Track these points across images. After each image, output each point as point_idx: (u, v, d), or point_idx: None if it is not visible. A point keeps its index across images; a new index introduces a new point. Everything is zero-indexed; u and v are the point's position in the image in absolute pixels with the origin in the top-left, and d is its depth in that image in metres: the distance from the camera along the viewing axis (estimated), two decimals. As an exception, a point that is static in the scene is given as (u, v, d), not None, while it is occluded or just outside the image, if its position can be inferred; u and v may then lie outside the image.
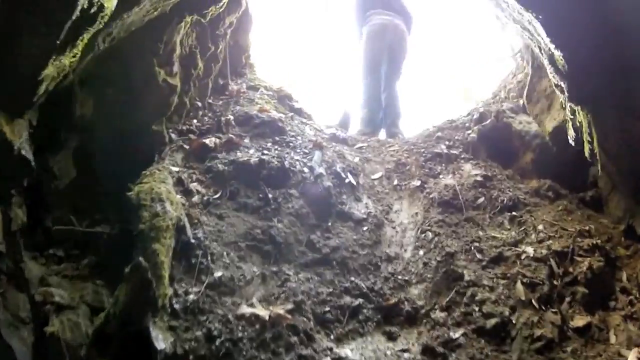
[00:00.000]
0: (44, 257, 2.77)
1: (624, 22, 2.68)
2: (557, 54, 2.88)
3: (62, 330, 2.37)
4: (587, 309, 3.18)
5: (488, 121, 4.91)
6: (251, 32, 5.31)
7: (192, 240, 2.99)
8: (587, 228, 3.68)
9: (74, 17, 2.01)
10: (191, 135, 3.92)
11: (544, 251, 3.46)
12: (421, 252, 3.65)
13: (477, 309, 3.08)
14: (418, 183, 4.42)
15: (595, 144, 3.46)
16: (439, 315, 3.10)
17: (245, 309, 2.71)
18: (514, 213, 3.96)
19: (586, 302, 3.20)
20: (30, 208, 2.68)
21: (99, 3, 2.15)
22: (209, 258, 2.97)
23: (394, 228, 3.95)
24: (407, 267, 3.55)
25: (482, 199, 4.10)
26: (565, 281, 3.30)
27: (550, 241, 3.57)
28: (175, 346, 2.40)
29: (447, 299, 3.21)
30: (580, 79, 3.04)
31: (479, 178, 4.31)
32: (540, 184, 4.31)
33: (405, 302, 3.22)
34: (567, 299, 3.21)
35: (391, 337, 2.98)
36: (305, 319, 2.79)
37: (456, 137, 5.08)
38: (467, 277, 3.30)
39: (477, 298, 3.15)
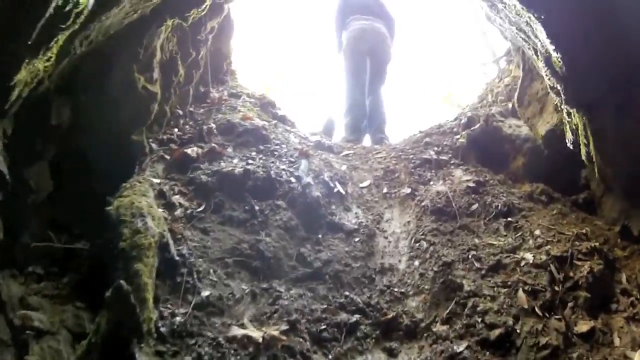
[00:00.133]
0: (23, 275, 2.62)
1: (625, 25, 2.67)
2: (555, 55, 2.83)
3: (42, 359, 2.19)
4: (589, 313, 3.14)
5: (477, 125, 4.87)
6: (233, 38, 5.23)
7: (177, 258, 2.88)
8: (584, 231, 3.65)
9: (47, 15, 1.84)
10: (172, 145, 3.81)
11: (544, 257, 3.41)
12: (416, 263, 3.55)
13: (479, 319, 2.99)
14: (408, 190, 4.35)
15: (591, 146, 3.40)
16: (440, 328, 3.00)
17: (237, 331, 2.56)
18: (509, 219, 3.90)
19: (588, 306, 3.16)
20: (6, 223, 2.51)
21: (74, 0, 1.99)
22: (195, 276, 2.85)
23: (386, 238, 3.87)
24: (403, 278, 3.46)
25: (476, 206, 4.03)
26: (567, 286, 3.25)
27: (549, 246, 3.52)
28: (164, 373, 2.25)
29: (447, 311, 3.11)
30: (578, 81, 3.02)
31: (471, 184, 4.25)
32: (533, 188, 4.28)
33: (404, 316, 3.11)
34: (570, 304, 3.16)
35: (392, 354, 2.88)
36: (301, 339, 2.66)
37: (445, 143, 5.03)
38: (466, 287, 3.21)
39: (479, 309, 3.06)
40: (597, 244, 3.49)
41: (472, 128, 4.91)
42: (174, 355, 2.36)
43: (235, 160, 3.81)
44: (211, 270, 2.93)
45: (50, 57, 2.27)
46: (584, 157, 3.50)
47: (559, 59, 2.87)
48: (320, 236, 3.51)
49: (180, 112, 4.18)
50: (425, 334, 3.00)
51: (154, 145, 3.69)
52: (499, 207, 4.00)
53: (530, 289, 3.18)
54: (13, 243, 2.62)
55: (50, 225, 2.89)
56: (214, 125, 4.13)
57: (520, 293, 3.15)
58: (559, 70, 3.01)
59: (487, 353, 2.83)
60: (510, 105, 4.89)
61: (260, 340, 2.52)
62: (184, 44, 3.96)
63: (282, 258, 3.23)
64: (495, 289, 3.21)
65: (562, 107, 3.36)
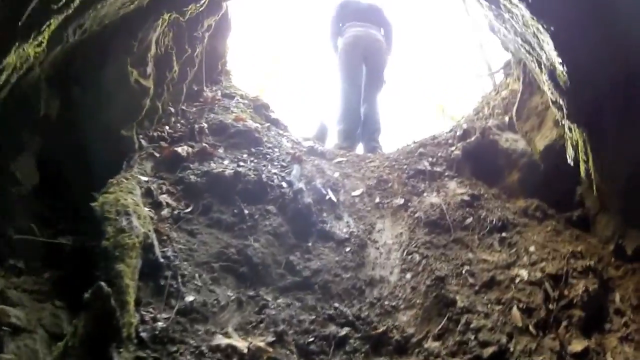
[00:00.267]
0: (4, 268, 2.55)
1: (635, 42, 2.64)
2: (561, 69, 2.79)
3: (18, 358, 2.10)
4: (583, 333, 3.10)
5: (473, 138, 4.82)
6: (229, 37, 5.15)
7: (161, 260, 2.82)
8: (579, 249, 3.63)
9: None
10: (162, 143, 3.75)
11: (538, 274, 3.39)
12: (408, 276, 3.49)
13: (472, 337, 2.94)
14: (401, 201, 4.30)
15: (590, 162, 3.37)
16: (431, 344, 2.94)
17: (221, 340, 2.48)
18: (503, 234, 3.87)
19: (582, 325, 3.12)
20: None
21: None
22: (180, 280, 2.79)
23: (377, 249, 3.81)
24: (394, 291, 3.40)
25: (470, 219, 3.99)
26: (561, 305, 3.22)
27: (544, 264, 3.49)
28: (142, 381, 2.17)
29: (440, 327, 3.05)
30: (582, 96, 3.00)
31: (466, 197, 4.21)
32: (527, 204, 4.24)
33: (395, 330, 3.04)
34: (564, 323, 3.12)
35: (381, 370, 2.77)
36: (287, 352, 2.59)
37: (439, 154, 4.98)
38: (460, 303, 3.17)
39: (472, 325, 3.01)
40: (592, 262, 3.47)
41: (467, 140, 4.87)
42: (154, 363, 2.27)
43: (226, 162, 3.76)
44: (196, 275, 2.86)
45: (42, 42, 2.19)
46: (582, 174, 3.48)
47: (564, 73, 2.83)
48: (310, 244, 3.45)
49: (172, 109, 4.12)
50: (416, 350, 2.94)
51: (143, 142, 3.62)
52: (494, 222, 3.96)
53: (524, 306, 3.15)
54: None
55: (34, 218, 2.82)
56: (205, 125, 4.07)
57: (515, 311, 3.11)
58: (562, 84, 2.98)
59: (480, 371, 2.78)
60: (507, 118, 4.84)
61: (245, 350, 2.44)
62: (180, 40, 3.89)
63: (271, 265, 3.17)
64: (489, 305, 3.17)
65: (564, 122, 3.33)
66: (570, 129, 3.38)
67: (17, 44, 2.00)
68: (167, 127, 3.94)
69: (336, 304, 3.08)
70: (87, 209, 2.72)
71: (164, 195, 3.28)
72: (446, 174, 4.69)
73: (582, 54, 2.70)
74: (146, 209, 2.98)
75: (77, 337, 2.07)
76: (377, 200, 4.32)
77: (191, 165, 3.58)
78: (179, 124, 4.09)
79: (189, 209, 3.27)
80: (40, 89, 2.76)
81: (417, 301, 3.25)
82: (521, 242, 3.76)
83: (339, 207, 3.98)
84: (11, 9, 1.81)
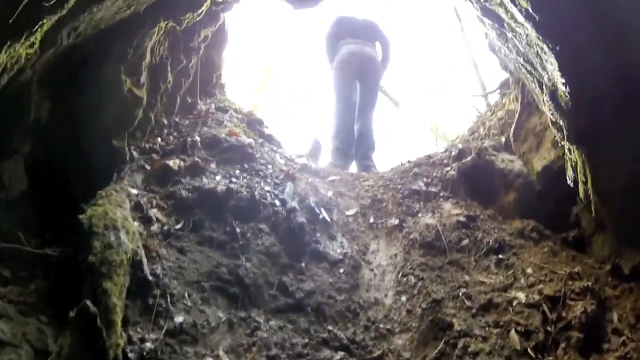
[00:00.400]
0: None
1: (636, 63, 2.60)
2: (563, 89, 2.79)
3: (3, 373, 2.05)
4: (582, 354, 3.07)
5: (468, 158, 4.81)
6: (225, 50, 5.11)
7: (150, 277, 2.76)
8: (576, 270, 3.61)
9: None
10: (154, 155, 3.72)
11: (536, 296, 3.37)
12: (404, 298, 3.47)
13: (470, 361, 2.88)
14: (396, 222, 4.28)
15: (589, 183, 3.37)
16: (428, 369, 2.84)
17: (211, 362, 2.37)
18: (500, 256, 3.85)
19: (581, 346, 3.10)
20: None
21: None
22: (169, 299, 2.73)
23: (371, 270, 3.78)
24: (389, 314, 3.37)
25: (466, 241, 3.98)
26: (560, 327, 3.19)
27: (541, 285, 3.48)
28: (129, 406, 2.09)
29: (437, 351, 3.02)
30: (583, 116, 2.99)
31: (462, 218, 4.20)
32: (524, 225, 4.24)
33: (390, 355, 3.02)
34: (562, 345, 3.10)
35: (377, 396, 2.71)
36: (280, 376, 2.46)
37: (434, 174, 4.96)
38: (457, 327, 3.13)
39: (470, 349, 2.98)
40: (589, 283, 3.46)
41: (463, 160, 4.86)
42: (142, 386, 2.20)
43: (218, 177, 3.72)
44: (186, 294, 2.81)
45: (34, 43, 2.13)
46: (581, 194, 3.49)
47: (566, 93, 2.82)
48: (303, 265, 3.40)
49: (165, 121, 4.09)
50: (412, 375, 2.87)
51: (134, 153, 3.58)
52: (490, 244, 3.95)
53: (522, 329, 3.13)
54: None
55: (20, 225, 2.77)
56: (198, 139, 4.03)
57: (513, 334, 3.09)
58: (564, 104, 2.98)
59: (478, 398, 2.73)
60: (503, 139, 4.85)
61: (237, 374, 2.35)
62: (176, 50, 3.86)
63: (263, 286, 3.12)
64: (487, 329, 3.15)
65: (563, 143, 3.33)
66: (570, 150, 3.37)
67: (8, 43, 1.95)
68: (159, 139, 3.90)
69: (330, 327, 3.03)
70: (74, 219, 2.66)
71: (154, 210, 3.22)
72: (441, 194, 4.67)
73: (586, 75, 2.71)
74: (135, 223, 2.94)
75: (62, 357, 1.98)
76: (372, 220, 4.30)
77: (182, 180, 3.53)
78: (171, 136, 4.05)
79: (179, 225, 3.22)
80: (31, 91, 2.72)
81: (413, 324, 3.22)
82: (518, 263, 3.75)
83: (333, 227, 3.95)
84: (1, 6, 1.74)
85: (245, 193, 3.58)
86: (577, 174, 3.48)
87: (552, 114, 3.23)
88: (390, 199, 4.57)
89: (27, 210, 2.84)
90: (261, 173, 4.02)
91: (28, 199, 2.85)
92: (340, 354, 2.84)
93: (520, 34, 2.79)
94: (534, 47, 2.76)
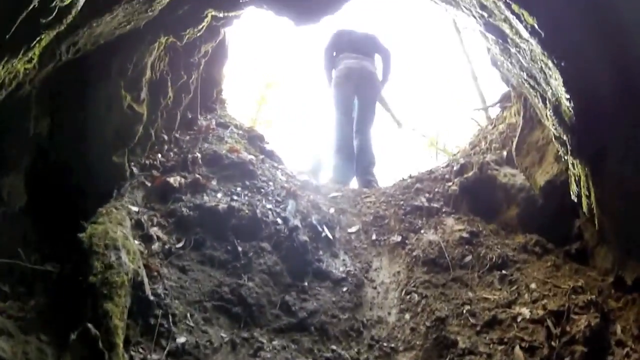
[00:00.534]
0: None
1: None
2: (567, 104, 2.80)
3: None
4: None
5: (470, 173, 4.82)
6: (225, 65, 5.12)
7: (151, 297, 2.75)
8: (579, 284, 3.62)
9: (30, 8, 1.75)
10: (154, 171, 3.74)
11: (540, 312, 3.37)
12: (407, 316, 3.46)
13: (475, 380, 2.87)
14: (398, 238, 4.28)
15: (592, 197, 3.38)
16: (433, 388, 2.83)
17: (214, 384, 2.35)
18: (503, 271, 3.85)
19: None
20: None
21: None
22: (170, 319, 2.75)
23: (375, 288, 3.79)
24: (393, 332, 3.37)
25: (469, 257, 3.97)
26: (564, 341, 3.19)
27: (545, 300, 3.49)
28: None
29: (441, 369, 2.96)
30: (587, 131, 3.01)
31: (465, 234, 4.20)
32: (527, 239, 4.24)
33: None
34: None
35: (382, 416, 2.69)
36: (284, 398, 2.45)
37: (436, 189, 4.98)
38: (461, 344, 3.14)
39: None
40: (592, 296, 3.46)
41: (465, 175, 4.87)
42: (144, 409, 2.18)
43: (220, 195, 3.73)
44: (188, 314, 2.81)
45: (32, 58, 2.13)
46: (584, 209, 3.50)
47: (570, 109, 2.83)
48: (306, 284, 3.41)
49: (166, 137, 4.11)
50: (417, 394, 2.86)
51: (135, 169, 3.60)
52: (493, 260, 3.96)
53: (527, 345, 3.14)
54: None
55: (20, 241, 2.77)
56: (199, 155, 4.05)
57: (517, 350, 3.10)
58: (567, 119, 2.99)
59: (484, 416, 2.72)
60: (505, 153, 4.86)
61: (240, 396, 2.33)
62: (176, 65, 3.88)
63: (265, 305, 3.12)
64: (492, 345, 3.15)
65: (567, 157, 3.35)
66: (573, 165, 3.38)
67: (5, 58, 1.96)
68: (159, 155, 3.92)
69: (334, 347, 3.03)
70: (74, 235, 2.67)
71: (155, 228, 3.24)
72: (443, 210, 4.68)
73: (591, 91, 2.72)
74: (136, 242, 2.96)
75: (64, 381, 1.96)
76: (374, 237, 4.30)
77: (183, 197, 3.55)
78: (171, 153, 4.07)
79: (180, 244, 3.23)
80: (30, 106, 2.73)
81: (417, 342, 3.21)
82: (522, 279, 3.74)
83: (335, 245, 3.96)
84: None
85: (246, 211, 3.59)
86: (581, 188, 3.49)
87: (555, 129, 3.24)
88: (393, 216, 4.57)
89: (26, 226, 2.85)
90: (262, 190, 4.04)
91: (27, 214, 2.86)
92: (344, 374, 2.83)
93: (525, 49, 2.82)
94: (538, 62, 2.78)
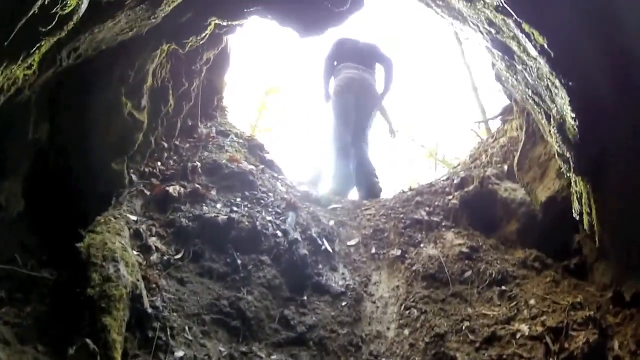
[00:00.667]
0: None
1: None
2: (572, 123, 2.80)
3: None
4: None
5: (471, 187, 4.83)
6: (227, 73, 5.12)
7: (149, 310, 2.75)
8: (578, 300, 3.62)
9: (29, 14, 1.75)
10: (153, 180, 3.75)
11: (539, 328, 3.38)
12: (406, 332, 3.46)
13: (474, 397, 2.86)
14: (398, 252, 4.29)
15: (593, 214, 3.39)
16: (432, 405, 2.82)
17: (212, 399, 2.34)
18: (503, 287, 3.85)
19: None
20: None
21: (63, 1, 1.85)
22: (169, 332, 2.72)
23: (374, 302, 3.79)
24: (391, 347, 3.38)
25: (469, 273, 3.98)
26: (562, 357, 3.21)
27: (544, 317, 3.49)
28: None
29: (440, 386, 2.96)
30: (590, 149, 3.02)
31: (464, 249, 4.21)
32: (526, 255, 4.25)
33: None
34: None
35: None
36: (283, 414, 2.44)
37: (436, 203, 4.98)
38: None
39: None
40: (591, 312, 3.47)
41: (465, 189, 4.88)
42: None
43: (219, 206, 3.74)
44: (186, 327, 2.81)
45: (32, 64, 2.11)
46: (586, 225, 3.50)
47: (575, 127, 2.84)
48: (305, 298, 3.41)
49: (165, 144, 4.11)
50: (416, 412, 2.85)
51: (134, 177, 3.60)
52: (493, 275, 3.97)
53: None
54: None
55: (17, 247, 2.77)
56: (199, 164, 4.06)
57: None
58: (571, 137, 3.00)
59: None
60: (505, 166, 4.88)
61: (239, 412, 2.32)
62: (177, 73, 3.88)
63: (264, 319, 3.12)
64: (491, 363, 3.15)
65: (569, 174, 3.37)
66: (575, 182, 3.39)
67: (4, 64, 1.95)
68: (158, 163, 3.93)
69: (332, 362, 3.01)
70: (72, 242, 2.67)
71: (154, 238, 3.24)
72: (443, 223, 4.69)
73: (597, 112, 2.74)
74: (134, 252, 2.95)
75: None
76: (373, 250, 4.31)
77: (182, 207, 3.55)
78: (171, 160, 4.08)
79: (179, 255, 3.23)
80: (29, 111, 2.73)
81: (416, 358, 3.22)
82: (521, 295, 3.75)
83: (334, 258, 3.96)
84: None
85: (246, 223, 3.59)
86: (582, 205, 3.50)
87: (558, 146, 3.26)
88: (392, 229, 4.58)
89: (23, 232, 2.84)
90: (262, 202, 4.04)
91: (25, 220, 2.86)
92: (343, 389, 2.82)
93: (531, 66, 2.83)
94: (545, 80, 2.80)
